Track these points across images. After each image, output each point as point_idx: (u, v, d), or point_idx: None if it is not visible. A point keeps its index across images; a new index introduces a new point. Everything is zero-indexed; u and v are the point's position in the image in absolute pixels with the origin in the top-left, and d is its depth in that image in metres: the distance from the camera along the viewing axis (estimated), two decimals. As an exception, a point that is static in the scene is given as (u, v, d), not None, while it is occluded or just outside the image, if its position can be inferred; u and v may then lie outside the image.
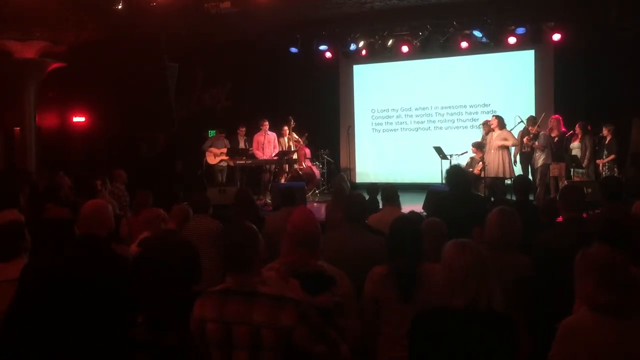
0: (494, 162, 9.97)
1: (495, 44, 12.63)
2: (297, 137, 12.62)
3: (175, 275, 4.22)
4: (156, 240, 4.51)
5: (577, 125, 10.19)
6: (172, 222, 4.71)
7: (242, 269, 2.49)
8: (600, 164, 10.02)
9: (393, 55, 13.67)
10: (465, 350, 2.44)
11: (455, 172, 5.11)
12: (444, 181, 10.67)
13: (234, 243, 2.52)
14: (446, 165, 10.71)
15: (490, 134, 10.20)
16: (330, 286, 2.85)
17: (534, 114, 11.76)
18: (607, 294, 2.34)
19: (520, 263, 3.50)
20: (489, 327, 2.44)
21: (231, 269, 2.51)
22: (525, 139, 10.57)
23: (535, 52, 13.02)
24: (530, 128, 10.56)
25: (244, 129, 12.37)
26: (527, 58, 13.13)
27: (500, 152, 9.94)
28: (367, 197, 6.65)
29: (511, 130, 10.37)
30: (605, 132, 9.99)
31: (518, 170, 10.74)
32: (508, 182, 10.01)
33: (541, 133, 10.37)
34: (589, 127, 10.18)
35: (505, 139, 9.98)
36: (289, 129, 12.31)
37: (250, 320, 2.38)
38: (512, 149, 10.46)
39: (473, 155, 11.21)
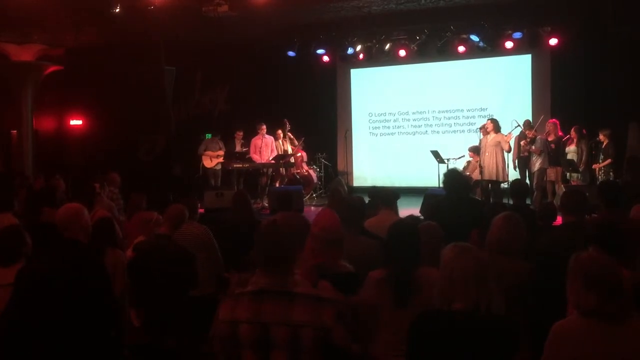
0: (489, 166, 9.98)
1: (492, 48, 12.66)
2: (291, 136, 12.58)
3: (170, 280, 4.21)
4: (149, 245, 4.49)
5: (572, 130, 10.22)
6: (165, 226, 4.62)
7: (278, 269, 2.45)
8: (597, 169, 10.03)
9: (390, 59, 13.70)
10: (464, 353, 2.44)
11: (452, 176, 5.11)
12: (441, 185, 10.72)
13: (272, 242, 2.47)
14: (443, 169, 10.72)
15: (485, 137, 10.21)
16: (359, 286, 2.86)
17: (530, 118, 11.79)
18: (595, 298, 2.35)
19: (521, 269, 3.48)
20: (489, 330, 2.45)
21: (266, 268, 2.46)
22: (522, 143, 10.59)
23: (532, 57, 13.06)
24: (527, 132, 10.58)
25: (241, 133, 12.38)
26: (523, 62, 13.16)
27: (495, 155, 9.95)
28: (367, 200, 6.62)
29: (508, 134, 10.38)
30: (601, 136, 10.01)
31: (514, 174, 10.76)
32: (504, 185, 10.03)
33: (538, 137, 10.39)
34: (584, 131, 10.21)
35: (499, 143, 9.98)
36: (283, 132, 12.30)
37: (289, 321, 2.36)
38: (510, 154, 10.47)
39: (470, 159, 11.22)
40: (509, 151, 10.18)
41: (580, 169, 9.98)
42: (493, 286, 2.53)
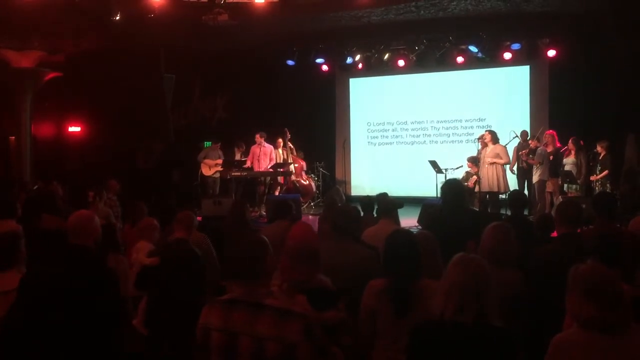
0: (489, 177, 9.98)
1: (491, 59, 12.73)
2: (291, 145, 12.60)
3: (187, 286, 4.21)
4: (172, 250, 4.48)
5: (570, 141, 10.25)
6: (180, 230, 4.63)
7: (249, 279, 2.45)
8: (593, 180, 10.04)
9: (389, 69, 13.75)
10: None
11: (451, 186, 5.12)
12: (439, 195, 10.71)
13: (242, 253, 2.49)
14: (441, 179, 10.74)
15: (484, 149, 10.23)
16: (336, 302, 2.83)
17: (528, 129, 11.83)
18: (595, 310, 2.35)
19: (513, 279, 3.49)
20: (488, 341, 2.45)
21: (238, 278, 2.47)
22: (521, 153, 10.62)
23: (530, 68, 13.12)
24: (530, 142, 10.63)
25: (243, 148, 12.44)
26: (522, 73, 13.22)
27: (494, 166, 9.97)
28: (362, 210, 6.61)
29: (506, 145, 10.40)
30: (599, 148, 10.02)
31: (513, 184, 10.76)
32: (502, 196, 10.04)
33: (539, 148, 10.41)
34: (582, 143, 10.24)
35: (498, 155, 9.98)
36: (283, 140, 12.32)
37: (254, 332, 2.35)
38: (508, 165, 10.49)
39: (468, 169, 11.23)
40: (507, 163, 10.17)
41: (579, 182, 9.99)
42: (491, 298, 2.53)
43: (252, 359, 2.35)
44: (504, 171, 10.09)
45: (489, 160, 9.97)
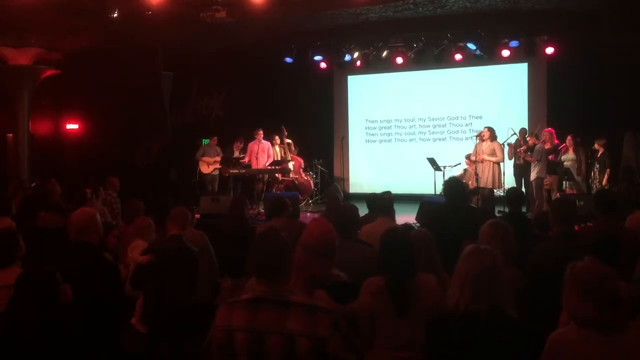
0: (485, 174, 10.00)
1: (489, 56, 12.72)
2: (289, 141, 12.58)
3: (182, 283, 4.21)
4: (167, 247, 4.47)
5: (568, 137, 10.26)
6: (174, 228, 4.62)
7: (274, 277, 2.43)
8: (592, 178, 10.04)
9: (387, 66, 13.75)
10: (481, 356, 2.48)
11: (452, 184, 5.12)
12: (437, 192, 10.71)
13: (267, 251, 2.47)
14: (440, 176, 10.75)
15: (480, 144, 10.23)
16: (355, 295, 2.83)
17: (527, 126, 11.83)
18: (592, 309, 2.36)
19: (511, 277, 3.48)
20: (496, 329, 2.47)
21: (262, 277, 2.45)
22: (518, 151, 10.63)
23: (528, 65, 13.12)
24: (529, 139, 10.64)
25: (241, 145, 12.41)
26: (520, 71, 13.22)
27: (491, 163, 9.98)
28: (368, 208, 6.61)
29: (504, 142, 10.40)
30: (596, 146, 10.04)
31: (510, 182, 10.77)
32: (499, 193, 10.05)
33: (537, 145, 10.41)
34: (578, 140, 10.25)
35: (494, 151, 9.98)
36: (280, 138, 12.31)
37: (284, 330, 2.34)
38: (505, 160, 10.49)
39: (467, 167, 11.24)
40: (499, 161, 10.15)
41: (578, 178, 9.99)
42: (506, 287, 2.53)
43: (282, 357, 2.34)
44: (500, 168, 10.09)
45: (484, 156, 9.97)
